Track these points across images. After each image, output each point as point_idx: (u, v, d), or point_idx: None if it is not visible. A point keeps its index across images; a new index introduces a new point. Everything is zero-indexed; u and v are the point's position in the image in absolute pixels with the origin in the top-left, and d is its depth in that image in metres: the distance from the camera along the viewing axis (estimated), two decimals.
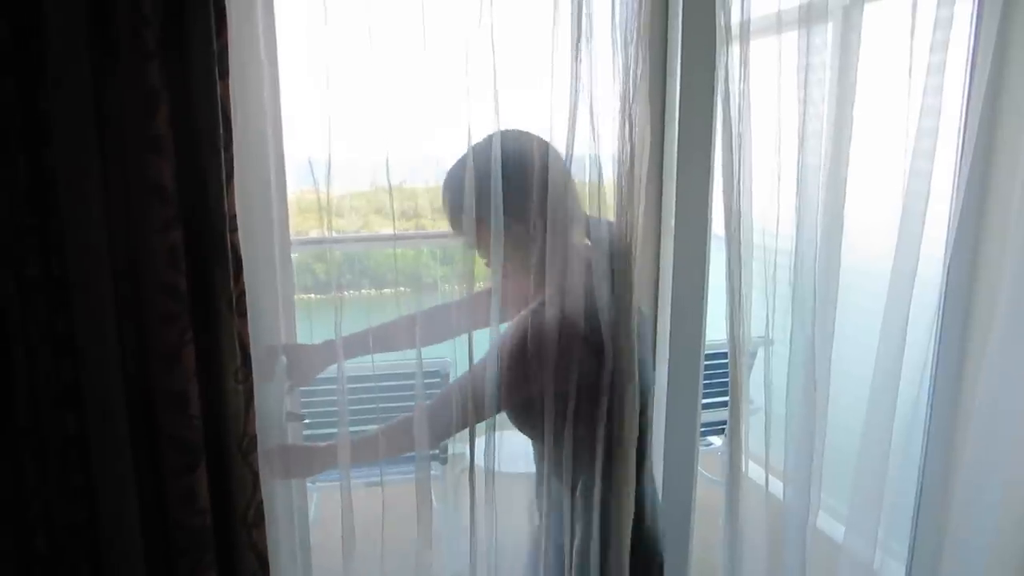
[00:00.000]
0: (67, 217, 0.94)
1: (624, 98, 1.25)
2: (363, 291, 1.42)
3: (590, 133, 1.25)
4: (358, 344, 1.33)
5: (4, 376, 0.96)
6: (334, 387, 1.26)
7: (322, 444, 1.31)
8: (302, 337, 1.37)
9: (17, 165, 0.91)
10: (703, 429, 1.73)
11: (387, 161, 1.19)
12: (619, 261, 1.28)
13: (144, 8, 0.90)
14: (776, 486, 1.58)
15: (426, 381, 1.32)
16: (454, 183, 1.26)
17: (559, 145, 1.25)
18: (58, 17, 0.90)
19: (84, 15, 0.90)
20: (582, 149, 1.26)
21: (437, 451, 1.76)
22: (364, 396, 1.34)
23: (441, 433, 1.31)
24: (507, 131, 1.23)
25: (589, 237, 1.30)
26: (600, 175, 1.27)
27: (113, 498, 1.03)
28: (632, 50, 1.25)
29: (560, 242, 1.24)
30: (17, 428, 0.97)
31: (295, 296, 1.34)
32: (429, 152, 1.34)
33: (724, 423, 1.51)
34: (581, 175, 1.27)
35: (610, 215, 1.29)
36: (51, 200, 0.94)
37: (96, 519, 1.03)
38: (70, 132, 0.93)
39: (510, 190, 1.21)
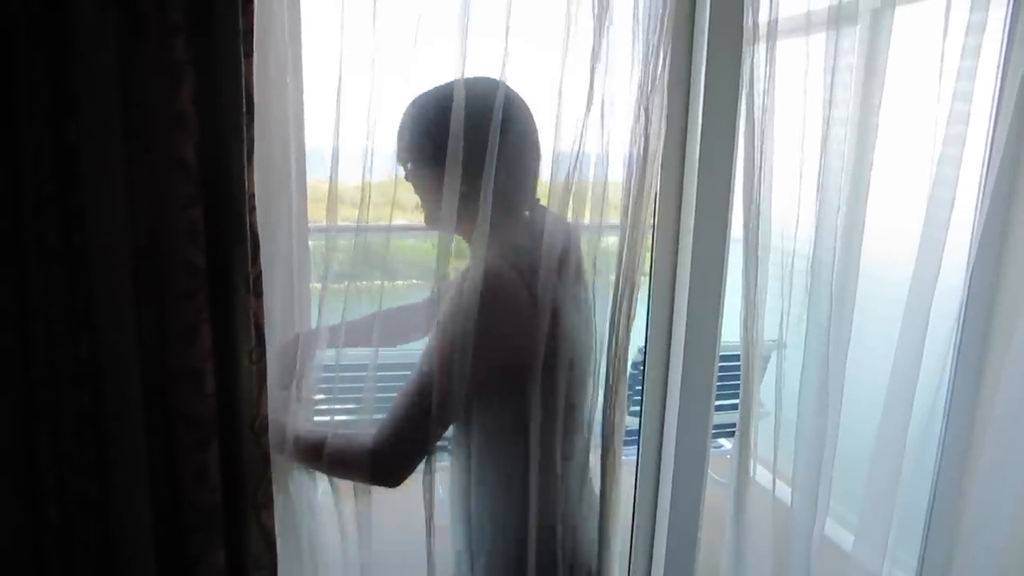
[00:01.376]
0: (89, 190, 0.95)
1: (642, 90, 1.23)
2: (375, 282, 1.37)
3: (600, 127, 1.21)
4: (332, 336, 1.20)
5: (22, 349, 0.97)
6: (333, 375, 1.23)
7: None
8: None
9: (42, 137, 0.92)
10: (713, 431, 1.72)
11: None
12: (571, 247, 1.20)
13: None
14: (784, 491, 1.57)
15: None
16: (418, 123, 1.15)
17: (568, 139, 1.19)
18: None
19: None
20: (592, 143, 1.21)
21: (444, 441, 1.76)
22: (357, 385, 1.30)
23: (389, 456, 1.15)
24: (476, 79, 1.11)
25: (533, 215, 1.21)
26: (607, 171, 1.24)
27: (125, 473, 1.03)
28: (654, 44, 1.23)
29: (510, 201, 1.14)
30: (33, 401, 0.98)
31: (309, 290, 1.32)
32: None
33: (734, 426, 1.50)
34: (589, 171, 1.22)
35: (615, 212, 1.25)
36: (74, 173, 0.94)
37: (108, 493, 1.03)
38: (95, 106, 0.94)
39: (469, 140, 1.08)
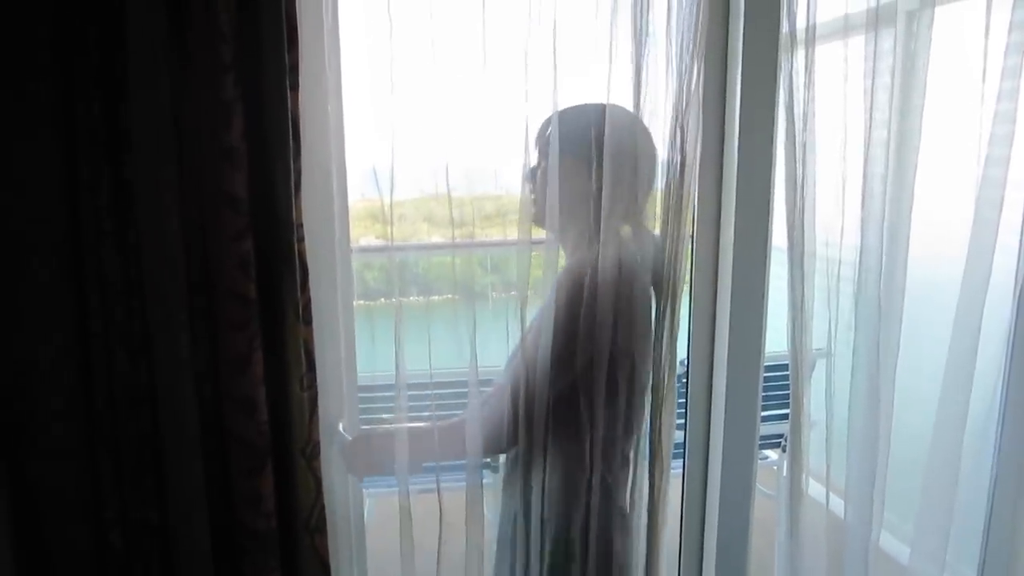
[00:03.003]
0: (145, 225, 0.98)
1: (676, 108, 1.25)
2: (412, 298, 1.41)
3: None
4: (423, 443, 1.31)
5: (84, 379, 1.00)
6: (391, 393, 1.27)
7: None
8: (361, 343, 1.39)
9: (100, 174, 0.95)
10: (759, 443, 1.69)
11: (447, 168, 1.20)
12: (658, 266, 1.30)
13: (221, 25, 0.92)
14: (837, 503, 1.54)
15: (482, 389, 1.31)
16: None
17: None
18: (139, 32, 0.93)
19: (164, 30, 0.93)
20: None
21: (489, 459, 1.77)
22: (421, 403, 1.34)
23: (494, 431, 1.30)
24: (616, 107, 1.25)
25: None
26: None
27: (183, 498, 1.06)
28: (688, 59, 1.25)
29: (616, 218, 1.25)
30: (96, 429, 1.01)
31: (360, 302, 1.35)
32: (486, 163, 1.35)
33: (779, 436, 1.49)
34: None
35: (656, 224, 1.30)
36: (130, 208, 0.97)
37: (167, 518, 1.06)
38: (149, 143, 0.97)
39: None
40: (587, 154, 1.22)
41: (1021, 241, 1.51)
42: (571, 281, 1.24)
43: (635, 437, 1.34)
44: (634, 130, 1.26)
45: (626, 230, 1.27)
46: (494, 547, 1.43)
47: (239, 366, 1.02)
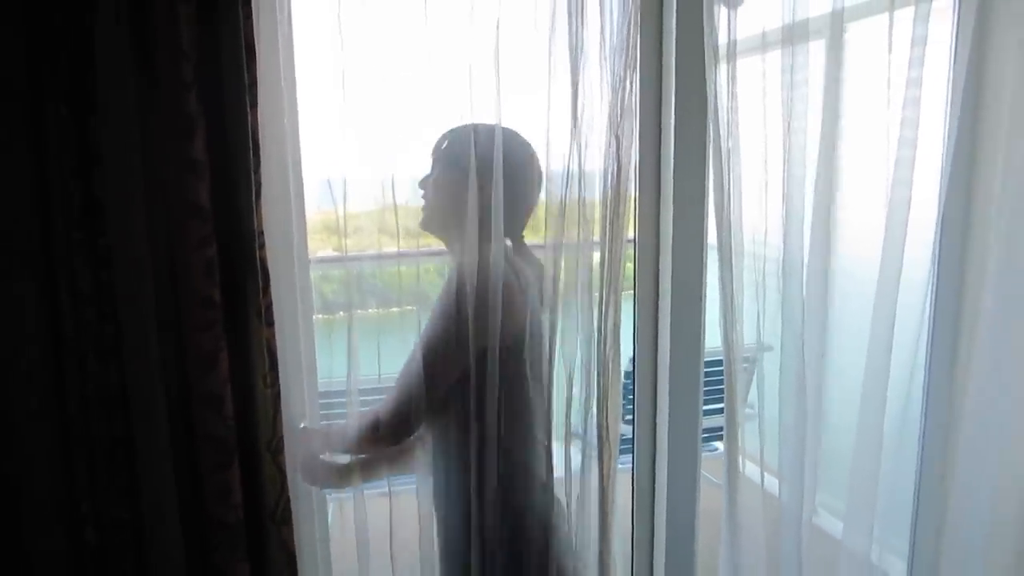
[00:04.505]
0: (114, 234, 1.04)
1: (612, 118, 1.35)
2: (370, 310, 1.46)
3: (579, 151, 1.35)
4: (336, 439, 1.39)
5: (58, 382, 1.05)
6: (343, 400, 1.35)
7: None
8: (320, 354, 1.44)
9: (70, 188, 1.01)
10: (708, 435, 1.78)
11: (392, 180, 1.29)
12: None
13: (183, 45, 0.99)
14: (773, 484, 1.63)
15: None
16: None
17: (555, 163, 1.36)
18: (106, 53, 1.00)
19: (129, 51, 1.00)
20: (573, 166, 1.35)
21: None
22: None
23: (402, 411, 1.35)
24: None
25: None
26: (583, 191, 1.37)
27: (155, 494, 1.11)
28: (621, 73, 1.35)
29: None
30: (70, 430, 1.05)
31: (319, 316, 1.41)
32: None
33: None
34: (570, 191, 1.36)
35: (595, 230, 1.39)
36: (100, 219, 1.03)
37: (140, 514, 1.11)
38: (117, 157, 1.03)
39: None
40: (485, 170, 1.30)
41: (935, 236, 1.63)
42: (446, 288, 1.33)
43: (540, 425, 1.41)
44: (517, 149, 1.35)
45: (507, 242, 1.37)
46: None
47: (206, 365, 1.08)
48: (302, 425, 1.37)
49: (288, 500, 1.20)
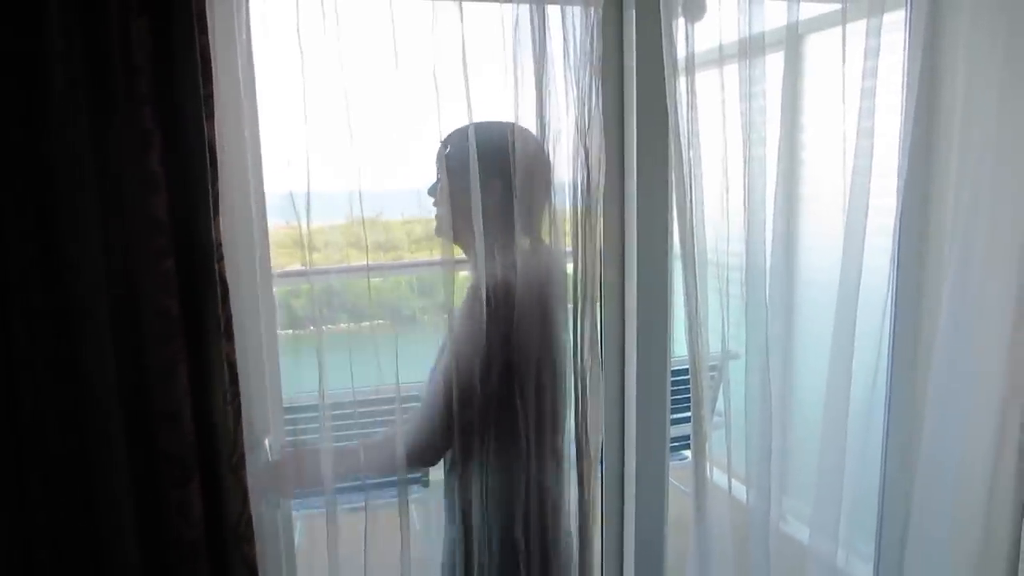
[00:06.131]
0: (68, 250, 1.02)
1: (580, 129, 1.36)
2: (341, 325, 1.45)
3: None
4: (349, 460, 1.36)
5: (11, 397, 1.02)
6: (316, 414, 1.32)
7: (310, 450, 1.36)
8: (286, 374, 1.43)
9: (23, 204, 0.99)
10: (677, 443, 1.79)
11: (360, 193, 1.26)
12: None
13: (136, 59, 0.99)
14: (740, 490, 1.65)
15: (405, 406, 1.36)
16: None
17: None
18: (59, 67, 0.99)
19: (82, 65, 0.99)
20: None
21: (420, 474, 1.82)
22: (345, 422, 1.39)
23: (417, 446, 1.35)
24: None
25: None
26: (553, 201, 1.37)
27: (113, 512, 1.09)
28: (586, 81, 1.36)
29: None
30: (23, 447, 1.03)
31: (285, 331, 1.40)
32: (403, 184, 1.42)
33: None
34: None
35: (566, 240, 1.39)
36: (53, 235, 1.02)
37: (97, 533, 1.08)
38: (71, 173, 1.02)
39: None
40: (489, 170, 1.28)
41: (892, 242, 1.67)
42: (473, 294, 1.31)
43: (561, 434, 1.42)
44: (529, 145, 1.33)
45: (525, 243, 1.35)
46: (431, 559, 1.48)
47: (164, 380, 1.07)
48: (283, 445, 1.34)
49: (250, 517, 1.18)
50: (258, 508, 1.29)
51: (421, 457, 1.38)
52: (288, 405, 1.45)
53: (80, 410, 1.06)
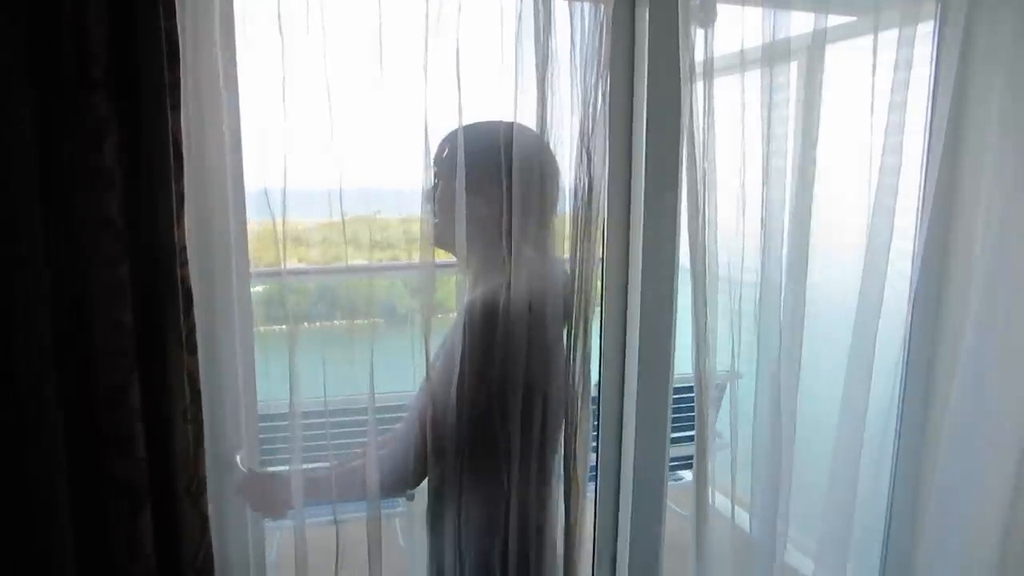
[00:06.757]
0: (3, 251, 0.91)
1: (583, 132, 1.26)
2: (335, 322, 1.40)
3: None
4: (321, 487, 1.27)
5: None
6: (286, 423, 1.22)
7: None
8: (261, 372, 1.33)
9: None
10: (674, 464, 1.71)
11: (340, 191, 1.17)
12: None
13: (93, 46, 0.88)
14: (744, 518, 1.57)
15: (378, 416, 1.28)
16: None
17: None
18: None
19: (24, 48, 0.88)
20: None
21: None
22: (317, 432, 1.29)
23: (394, 472, 1.27)
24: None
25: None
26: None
27: (52, 546, 0.98)
28: (592, 84, 1.26)
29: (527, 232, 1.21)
30: None
31: (260, 328, 1.31)
32: (396, 184, 1.33)
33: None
34: None
35: (565, 247, 1.29)
36: None
37: (35, 569, 0.98)
38: (6, 164, 0.90)
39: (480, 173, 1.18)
40: (494, 176, 1.18)
41: (912, 267, 1.57)
42: (485, 310, 1.19)
43: (550, 456, 1.33)
44: (540, 150, 1.23)
45: (531, 254, 1.24)
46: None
47: (114, 399, 0.96)
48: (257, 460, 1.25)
49: (210, 545, 1.08)
50: (222, 529, 1.20)
51: (395, 486, 1.28)
52: (264, 412, 1.36)
53: (15, 434, 0.95)
